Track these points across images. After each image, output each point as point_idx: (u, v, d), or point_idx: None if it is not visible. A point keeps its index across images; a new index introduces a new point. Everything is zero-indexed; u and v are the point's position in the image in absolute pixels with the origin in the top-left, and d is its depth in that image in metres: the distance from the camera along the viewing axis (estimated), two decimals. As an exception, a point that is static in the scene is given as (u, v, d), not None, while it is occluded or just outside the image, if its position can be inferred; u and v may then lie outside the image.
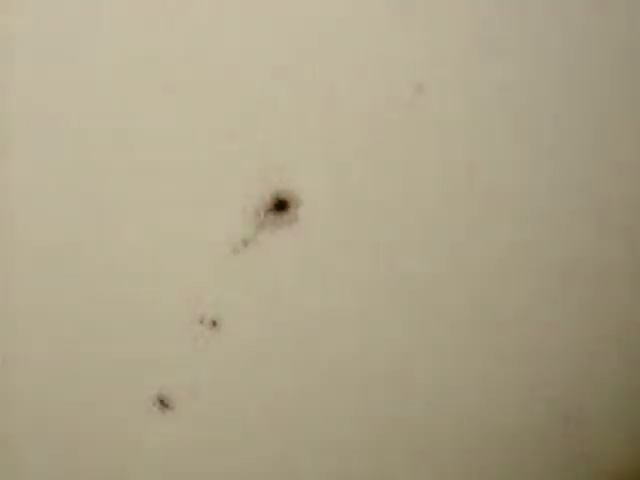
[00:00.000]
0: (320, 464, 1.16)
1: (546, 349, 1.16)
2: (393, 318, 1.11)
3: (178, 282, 1.05)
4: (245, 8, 0.98)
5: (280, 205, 1.03)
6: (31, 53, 0.96)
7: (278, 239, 1.05)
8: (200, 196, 1.02)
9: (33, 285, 1.03)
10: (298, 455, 1.15)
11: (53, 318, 1.05)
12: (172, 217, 1.03)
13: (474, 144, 1.06)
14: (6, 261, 1.02)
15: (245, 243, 1.04)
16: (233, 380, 1.10)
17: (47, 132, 0.99)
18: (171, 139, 1.00)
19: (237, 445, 1.13)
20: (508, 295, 1.13)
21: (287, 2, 0.98)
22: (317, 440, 1.14)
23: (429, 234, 1.09)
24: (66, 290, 1.04)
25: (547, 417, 1.19)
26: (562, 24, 1.05)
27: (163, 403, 1.09)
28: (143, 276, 1.04)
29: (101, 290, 1.04)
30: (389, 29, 1.00)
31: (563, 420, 1.20)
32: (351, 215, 1.06)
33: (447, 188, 1.07)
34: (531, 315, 1.14)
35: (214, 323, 1.07)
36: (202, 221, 1.03)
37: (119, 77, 0.98)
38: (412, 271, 1.10)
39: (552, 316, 1.15)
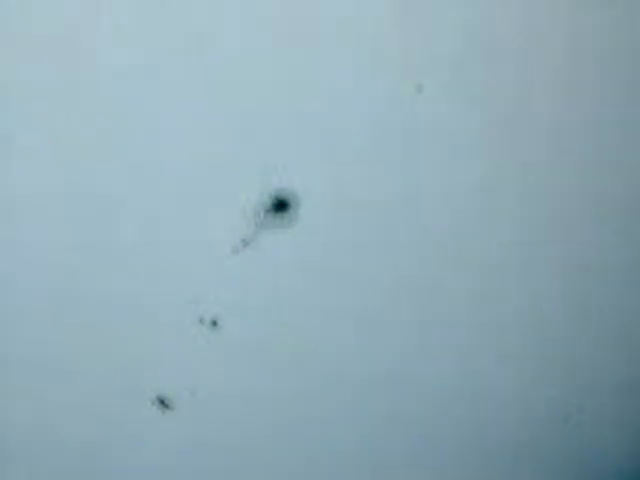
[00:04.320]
0: (320, 464, 1.16)
1: (546, 349, 1.16)
2: (393, 317, 1.11)
3: (178, 282, 1.05)
4: (245, 7, 0.98)
5: (280, 205, 1.03)
6: (31, 53, 0.96)
7: (278, 239, 1.05)
8: (200, 196, 1.02)
9: (33, 285, 1.03)
10: (298, 455, 1.15)
11: (53, 318, 1.05)
12: (172, 217, 1.03)
13: (473, 144, 1.06)
14: (6, 261, 1.03)
15: (245, 243, 1.04)
16: (233, 380, 1.10)
17: (47, 132, 0.99)
18: (171, 139, 1.00)
19: (237, 445, 1.13)
20: (508, 295, 1.13)
21: (287, 2, 0.98)
22: (317, 440, 1.14)
23: (429, 234, 1.09)
24: (65, 290, 1.04)
25: (547, 417, 1.20)
26: (562, 24, 1.05)
27: (163, 403, 1.09)
28: (143, 276, 1.04)
29: (101, 290, 1.04)
30: (389, 29, 1.00)
31: (563, 420, 1.20)
32: (351, 215, 1.06)
33: (447, 188, 1.07)
34: (531, 315, 1.14)
35: (214, 323, 1.07)
36: (202, 221, 1.03)
37: (119, 77, 0.97)
38: (412, 271, 1.10)
39: (552, 316, 1.15)
